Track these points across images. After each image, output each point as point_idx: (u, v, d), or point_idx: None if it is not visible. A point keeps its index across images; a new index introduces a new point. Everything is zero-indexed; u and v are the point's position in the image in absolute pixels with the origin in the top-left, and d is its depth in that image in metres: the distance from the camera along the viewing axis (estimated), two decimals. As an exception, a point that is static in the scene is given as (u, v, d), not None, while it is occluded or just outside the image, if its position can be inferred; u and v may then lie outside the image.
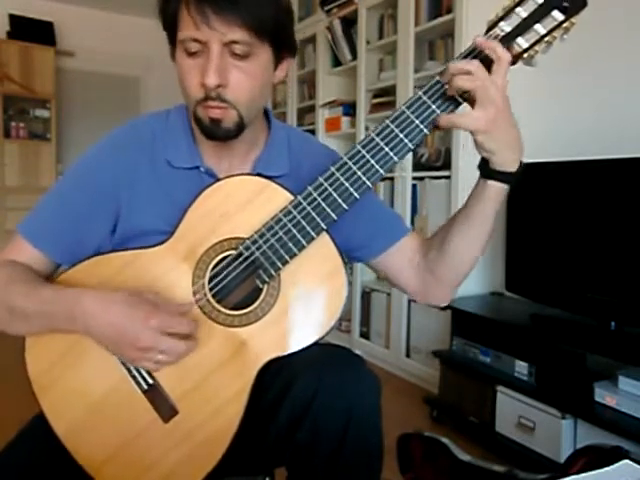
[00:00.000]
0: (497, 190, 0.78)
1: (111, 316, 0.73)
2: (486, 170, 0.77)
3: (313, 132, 3.31)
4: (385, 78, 2.83)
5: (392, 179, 2.70)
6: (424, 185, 2.57)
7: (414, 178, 2.60)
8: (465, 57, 0.73)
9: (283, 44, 0.81)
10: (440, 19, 2.43)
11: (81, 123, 4.71)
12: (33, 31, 4.35)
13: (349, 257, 0.96)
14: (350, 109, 3.10)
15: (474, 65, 0.71)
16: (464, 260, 0.86)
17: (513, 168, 0.76)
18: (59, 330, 0.78)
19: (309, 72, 3.49)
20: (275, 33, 0.78)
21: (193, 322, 0.75)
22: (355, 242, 0.92)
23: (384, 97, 2.83)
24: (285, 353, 0.77)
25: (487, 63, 0.72)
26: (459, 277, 0.89)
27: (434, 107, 0.74)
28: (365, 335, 2.96)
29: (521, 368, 1.86)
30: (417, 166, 2.60)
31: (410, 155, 2.58)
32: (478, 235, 0.83)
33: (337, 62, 3.22)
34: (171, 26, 0.78)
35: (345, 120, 3.13)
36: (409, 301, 2.62)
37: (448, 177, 2.38)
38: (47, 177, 4.38)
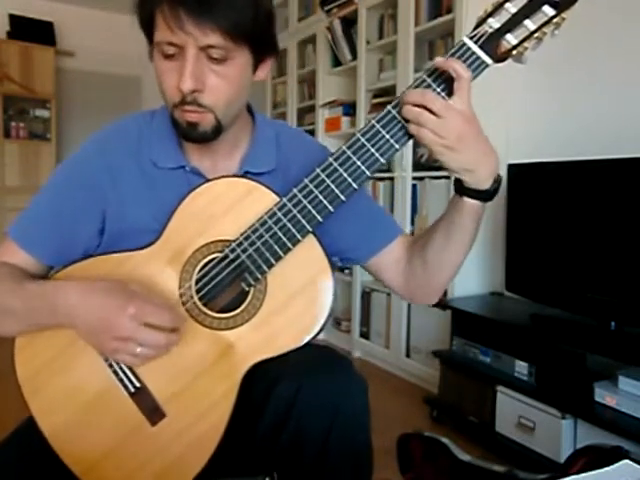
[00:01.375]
0: (473, 206, 0.77)
1: (90, 305, 0.73)
2: (460, 187, 0.76)
3: (313, 132, 3.31)
4: (385, 78, 2.83)
5: (392, 179, 2.70)
6: (424, 185, 2.57)
7: (414, 178, 2.60)
8: (455, 53, 0.72)
9: (263, 46, 0.80)
10: (440, 19, 2.43)
11: (81, 123, 4.71)
12: (33, 31, 4.35)
13: (341, 258, 0.96)
14: (350, 109, 3.10)
15: (414, 113, 0.70)
16: (446, 268, 0.86)
17: (487, 185, 0.75)
18: (45, 326, 0.77)
19: (309, 72, 3.49)
20: (253, 36, 0.75)
21: (177, 316, 0.74)
22: (346, 243, 0.91)
23: (384, 97, 2.83)
24: (272, 355, 0.77)
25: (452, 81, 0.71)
26: (442, 283, 0.89)
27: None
28: (365, 335, 2.96)
29: (521, 368, 1.86)
30: (417, 166, 2.60)
31: (410, 155, 2.58)
32: (458, 247, 0.82)
33: (337, 62, 3.21)
34: (147, 27, 0.77)
35: (345, 120, 3.13)
36: (409, 301, 2.62)
37: (448, 177, 2.38)
38: (47, 177, 4.36)
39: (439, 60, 0.71)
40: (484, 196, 0.76)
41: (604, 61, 2.06)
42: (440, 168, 2.46)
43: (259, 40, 0.78)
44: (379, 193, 2.85)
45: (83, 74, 4.77)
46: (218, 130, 0.80)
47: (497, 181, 0.75)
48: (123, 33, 4.83)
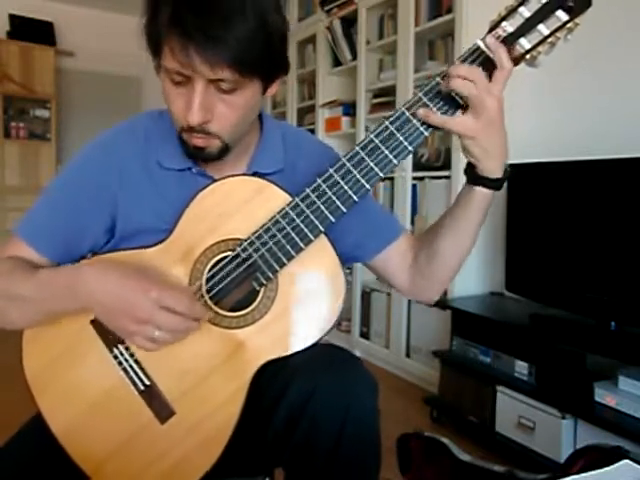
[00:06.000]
0: (483, 196, 0.79)
1: (110, 285, 0.72)
2: (472, 175, 0.78)
3: (313, 132, 3.31)
4: (385, 78, 2.83)
5: (392, 179, 2.70)
6: (424, 185, 2.57)
7: (414, 178, 2.60)
8: (469, 57, 0.72)
9: (274, 72, 0.79)
10: (440, 19, 2.43)
11: (81, 123, 4.71)
12: (33, 31, 4.35)
13: (346, 258, 0.95)
14: (350, 109, 3.10)
15: (475, 73, 0.70)
16: (451, 262, 0.87)
17: (499, 174, 0.77)
18: (61, 313, 0.77)
19: (309, 72, 3.49)
20: (264, 67, 0.74)
21: (197, 304, 0.74)
22: (351, 242, 0.91)
23: (384, 97, 2.83)
24: (282, 355, 0.77)
25: (488, 66, 0.71)
26: (447, 278, 0.90)
27: (435, 109, 0.73)
28: (365, 335, 2.96)
29: (521, 368, 1.86)
30: (417, 166, 2.60)
31: (410, 155, 2.58)
32: (464, 239, 0.84)
33: (337, 62, 3.22)
34: (155, 49, 0.74)
35: (345, 120, 3.13)
36: (409, 301, 2.62)
37: (448, 177, 2.38)
38: (47, 177, 4.37)
39: (491, 40, 0.71)
40: (497, 184, 0.78)
41: (608, 61, 2.06)
42: (440, 168, 2.46)
43: (271, 68, 0.77)
44: (379, 193, 2.85)
45: (83, 74, 4.78)
46: (225, 151, 0.80)
47: (507, 170, 0.78)
48: (123, 33, 4.84)
